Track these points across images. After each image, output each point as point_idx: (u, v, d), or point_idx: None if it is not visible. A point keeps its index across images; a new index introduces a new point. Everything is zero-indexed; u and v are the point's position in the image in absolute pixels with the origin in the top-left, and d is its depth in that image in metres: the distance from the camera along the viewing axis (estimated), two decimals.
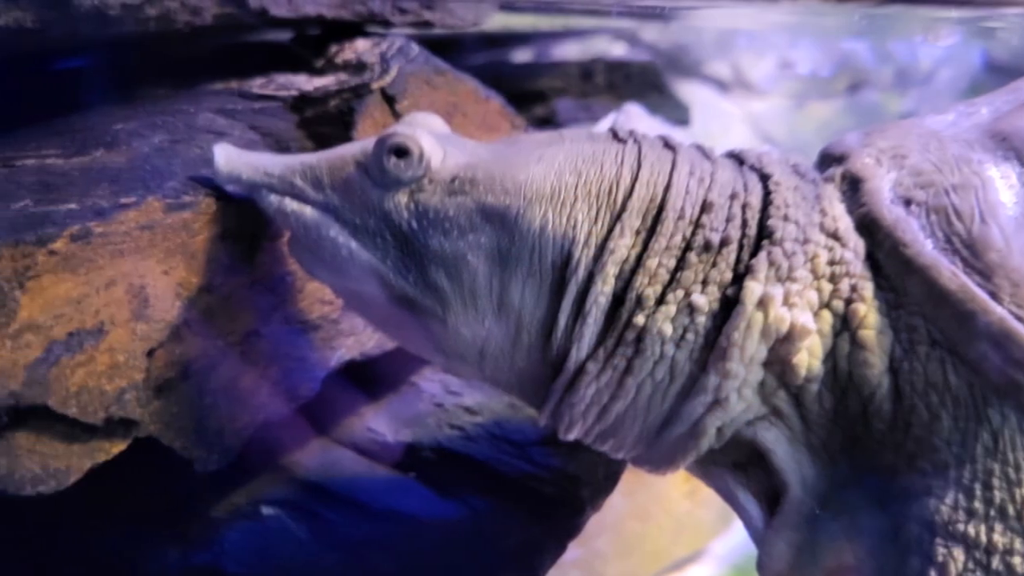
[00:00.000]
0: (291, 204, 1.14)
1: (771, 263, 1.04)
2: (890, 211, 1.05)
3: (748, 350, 1.03)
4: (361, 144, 1.15)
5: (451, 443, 1.52)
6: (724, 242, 1.06)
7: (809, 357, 1.03)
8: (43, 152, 1.21)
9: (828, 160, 1.20)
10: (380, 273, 1.12)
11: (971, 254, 1.00)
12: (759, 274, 1.03)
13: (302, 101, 1.50)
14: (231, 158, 1.15)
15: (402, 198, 1.10)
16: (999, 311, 0.96)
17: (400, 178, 1.10)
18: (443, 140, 1.15)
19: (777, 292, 1.02)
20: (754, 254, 1.05)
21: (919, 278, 1.01)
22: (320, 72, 1.61)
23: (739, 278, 1.05)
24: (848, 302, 1.03)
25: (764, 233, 1.06)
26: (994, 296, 0.97)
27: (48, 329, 1.04)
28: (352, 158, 1.13)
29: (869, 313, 1.02)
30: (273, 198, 1.14)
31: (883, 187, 1.08)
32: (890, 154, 1.12)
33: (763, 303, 1.02)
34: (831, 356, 1.04)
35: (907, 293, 1.02)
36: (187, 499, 1.46)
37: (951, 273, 0.99)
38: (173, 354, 1.16)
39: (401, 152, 1.09)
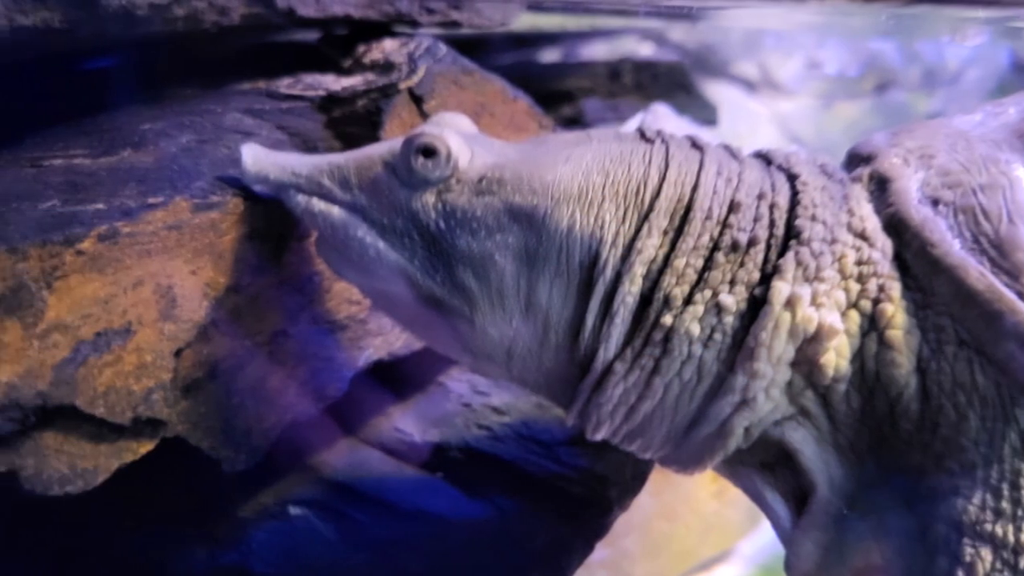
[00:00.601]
0: (319, 204, 1.14)
1: (799, 263, 1.03)
2: (918, 211, 1.05)
3: (776, 350, 1.02)
4: (388, 144, 1.15)
5: (479, 443, 1.52)
6: (752, 242, 1.06)
7: (837, 357, 1.02)
8: (71, 152, 1.22)
9: (856, 160, 1.19)
10: (408, 273, 1.11)
11: (999, 254, 0.99)
12: (787, 274, 1.02)
13: (330, 101, 1.50)
14: (259, 158, 1.15)
15: (430, 198, 1.10)
16: None
17: (428, 178, 1.09)
18: (470, 140, 1.14)
19: (805, 292, 1.02)
20: (782, 254, 1.05)
21: (947, 278, 1.00)
22: (348, 72, 1.60)
23: (767, 278, 1.04)
24: (876, 302, 1.03)
25: (792, 233, 1.06)
26: (1022, 296, 0.96)
27: (76, 329, 1.04)
28: (380, 158, 1.13)
29: (897, 313, 1.02)
30: (301, 198, 1.14)
31: (911, 187, 1.08)
32: (918, 154, 1.12)
33: (791, 303, 1.01)
34: (859, 356, 1.03)
35: (935, 293, 1.02)
36: (215, 499, 1.46)
37: (979, 273, 0.98)
38: (201, 354, 1.16)
39: (429, 152, 1.09)
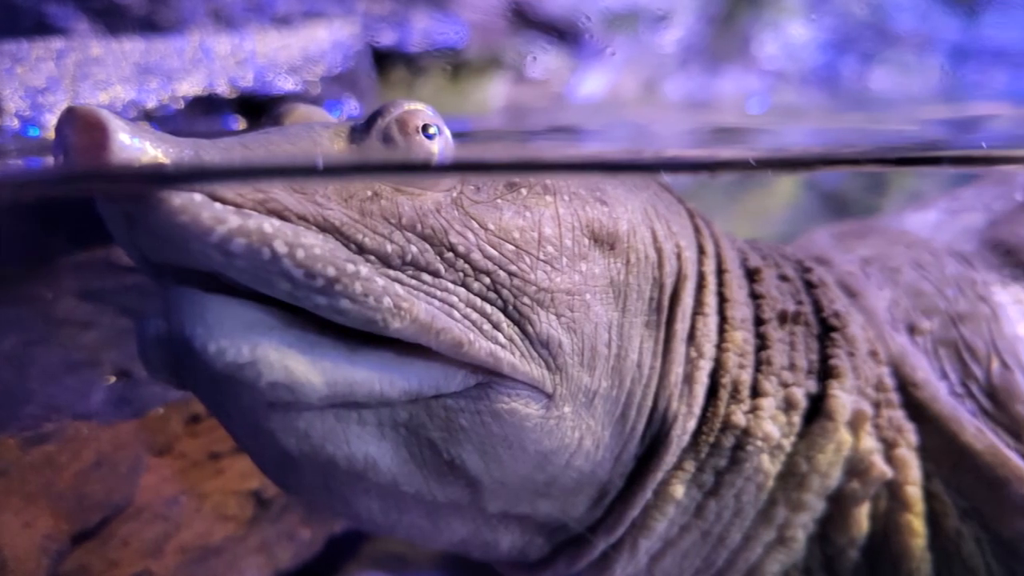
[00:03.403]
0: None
1: (854, 367, 0.87)
2: (892, 338, 0.91)
3: (830, 480, 0.86)
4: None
5: None
6: (796, 317, 0.90)
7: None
8: None
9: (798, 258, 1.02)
10: (444, 335, 0.73)
11: (993, 404, 0.87)
12: (844, 379, 0.86)
13: None
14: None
15: (454, 213, 0.76)
16: None
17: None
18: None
19: (867, 409, 0.86)
20: (823, 344, 0.89)
21: (935, 429, 0.86)
22: None
23: (811, 373, 0.88)
24: (890, 444, 0.87)
25: (826, 322, 0.90)
26: None
27: None
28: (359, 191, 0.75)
29: (914, 463, 0.87)
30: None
31: (878, 306, 0.94)
32: (877, 265, 0.99)
33: (855, 423, 0.86)
34: (872, 513, 0.88)
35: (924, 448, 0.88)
36: None
37: (976, 429, 0.85)
38: None
39: (426, 128, 0.76)
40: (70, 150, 0.64)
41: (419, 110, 0.75)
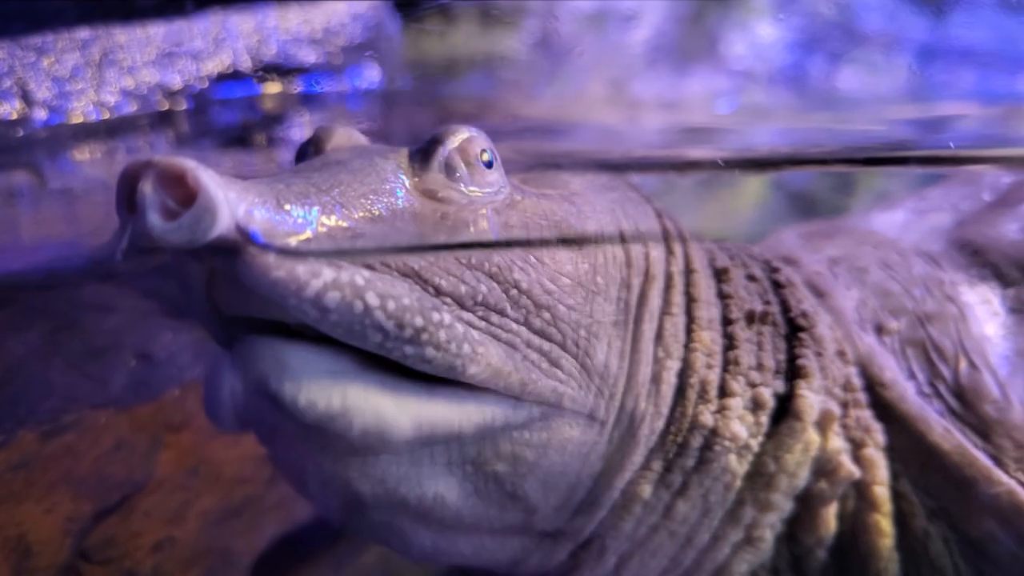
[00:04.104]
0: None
1: (821, 366, 0.87)
2: (860, 338, 0.92)
3: (798, 480, 0.87)
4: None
5: None
6: (764, 316, 0.91)
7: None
8: None
9: (765, 259, 1.04)
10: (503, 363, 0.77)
11: (960, 404, 0.87)
12: (812, 378, 0.87)
13: None
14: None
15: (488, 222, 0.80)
16: (1005, 480, 0.82)
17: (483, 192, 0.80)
18: None
19: (835, 410, 0.86)
20: (790, 343, 0.90)
21: (903, 429, 0.87)
22: None
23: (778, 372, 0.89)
24: (858, 444, 0.88)
25: (793, 321, 0.91)
26: (997, 461, 0.83)
27: None
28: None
29: (881, 463, 0.87)
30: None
31: (846, 306, 0.94)
32: (845, 265, 0.99)
33: (823, 423, 0.86)
34: (839, 512, 0.88)
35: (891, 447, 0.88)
36: None
37: (943, 429, 0.85)
38: None
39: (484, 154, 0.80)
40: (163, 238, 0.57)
41: (475, 137, 0.79)
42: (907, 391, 0.88)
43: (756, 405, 0.87)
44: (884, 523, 0.86)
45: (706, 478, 0.87)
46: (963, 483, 0.83)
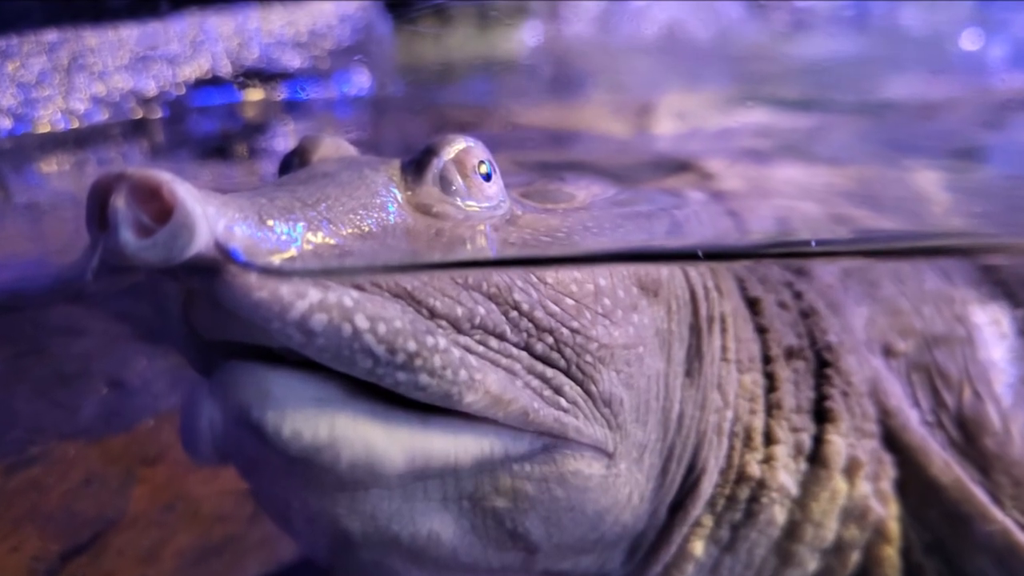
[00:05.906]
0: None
1: (848, 408, 0.84)
2: (867, 360, 0.89)
3: (826, 531, 0.84)
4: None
5: None
6: (798, 352, 0.87)
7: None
8: None
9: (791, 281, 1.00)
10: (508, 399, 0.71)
11: (962, 436, 0.86)
12: (840, 422, 0.84)
13: None
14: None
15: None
16: (1000, 518, 0.81)
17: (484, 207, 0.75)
18: None
19: (863, 456, 0.83)
20: (818, 383, 0.87)
21: (905, 459, 0.85)
22: None
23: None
24: (874, 478, 0.85)
25: (820, 356, 0.87)
26: (994, 498, 0.82)
27: None
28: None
29: (893, 495, 0.85)
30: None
31: (855, 324, 0.91)
32: (857, 276, 0.96)
33: (851, 470, 0.83)
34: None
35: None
36: None
37: (943, 463, 0.83)
38: None
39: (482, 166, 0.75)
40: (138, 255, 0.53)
41: (473, 148, 0.74)
42: (910, 420, 0.86)
43: (797, 451, 0.85)
44: (895, 557, 0.84)
45: (752, 531, 0.84)
46: (959, 519, 0.82)
